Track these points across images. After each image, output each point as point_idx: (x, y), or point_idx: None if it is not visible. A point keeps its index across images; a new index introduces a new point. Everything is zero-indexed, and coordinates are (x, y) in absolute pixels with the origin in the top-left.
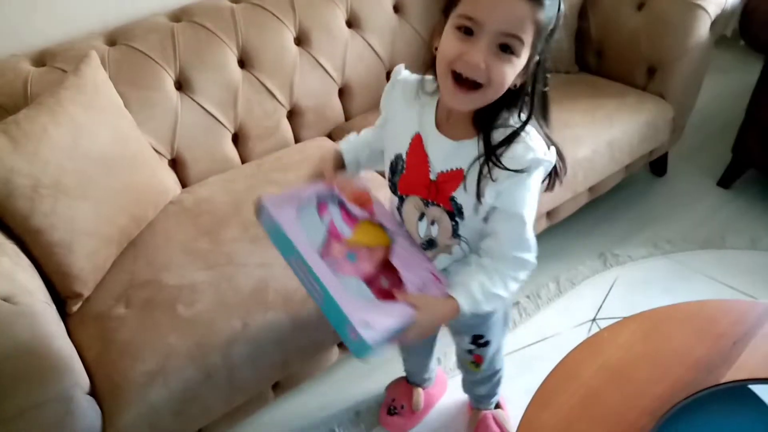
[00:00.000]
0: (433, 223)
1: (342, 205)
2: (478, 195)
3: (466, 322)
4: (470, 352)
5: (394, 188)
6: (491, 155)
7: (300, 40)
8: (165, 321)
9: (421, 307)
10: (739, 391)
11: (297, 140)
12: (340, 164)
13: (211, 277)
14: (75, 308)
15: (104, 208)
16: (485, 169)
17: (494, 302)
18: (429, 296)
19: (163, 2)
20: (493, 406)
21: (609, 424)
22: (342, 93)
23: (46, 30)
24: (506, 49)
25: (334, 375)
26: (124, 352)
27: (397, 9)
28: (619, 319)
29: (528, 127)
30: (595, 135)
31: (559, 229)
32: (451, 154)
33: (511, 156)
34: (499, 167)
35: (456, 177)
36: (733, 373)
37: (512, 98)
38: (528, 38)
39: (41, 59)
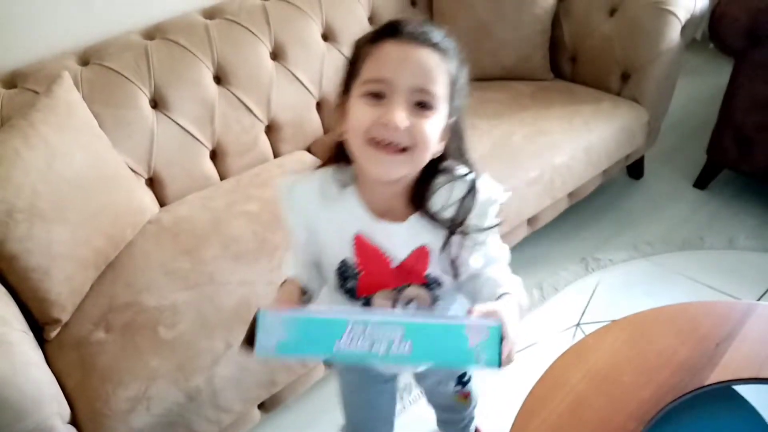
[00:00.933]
0: (409, 302)
1: None
2: (455, 271)
3: (449, 371)
4: (457, 392)
5: (350, 294)
6: (455, 228)
7: (276, 55)
8: (146, 344)
9: (498, 311)
10: (723, 392)
11: (276, 155)
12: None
13: (192, 297)
14: (53, 334)
15: (81, 230)
16: (452, 242)
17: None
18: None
19: (136, 20)
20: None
21: (597, 429)
22: (320, 106)
23: (15, 51)
24: (423, 105)
25: (322, 390)
26: (105, 378)
27: (372, 20)
28: (603, 323)
29: (471, 174)
30: (571, 141)
31: (541, 236)
32: (405, 237)
33: (478, 213)
34: (469, 233)
35: (422, 255)
36: (717, 375)
37: (439, 162)
38: (442, 90)
39: (12, 81)
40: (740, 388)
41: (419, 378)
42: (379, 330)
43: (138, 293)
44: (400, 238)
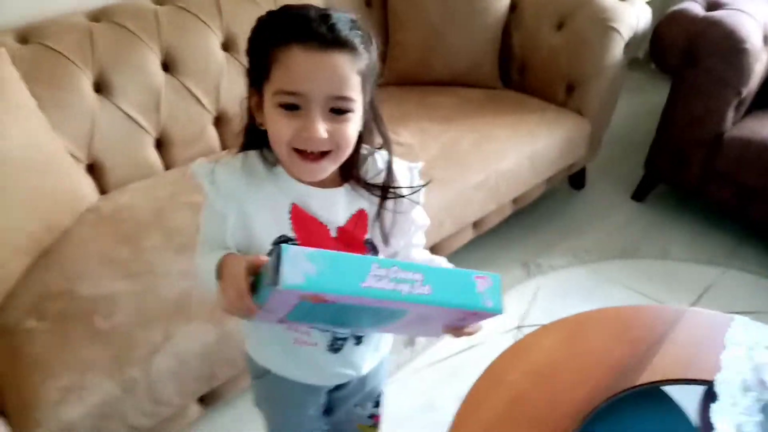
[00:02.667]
0: None
1: None
2: (385, 237)
3: (376, 382)
4: (371, 415)
5: None
6: (384, 193)
7: (227, 45)
8: (80, 334)
9: None
10: (652, 393)
11: (224, 147)
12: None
13: (130, 287)
14: None
15: (12, 214)
16: (383, 209)
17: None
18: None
19: (81, 1)
20: None
21: (534, 426)
22: None
23: None
24: (340, 111)
25: None
26: (35, 368)
27: None
28: (542, 326)
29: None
30: (517, 149)
31: (485, 240)
32: (344, 202)
33: (396, 182)
34: (395, 197)
35: (361, 219)
36: (647, 375)
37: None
38: (357, 90)
39: None
40: (668, 389)
41: (338, 401)
42: (402, 272)
43: (73, 282)
44: (339, 204)
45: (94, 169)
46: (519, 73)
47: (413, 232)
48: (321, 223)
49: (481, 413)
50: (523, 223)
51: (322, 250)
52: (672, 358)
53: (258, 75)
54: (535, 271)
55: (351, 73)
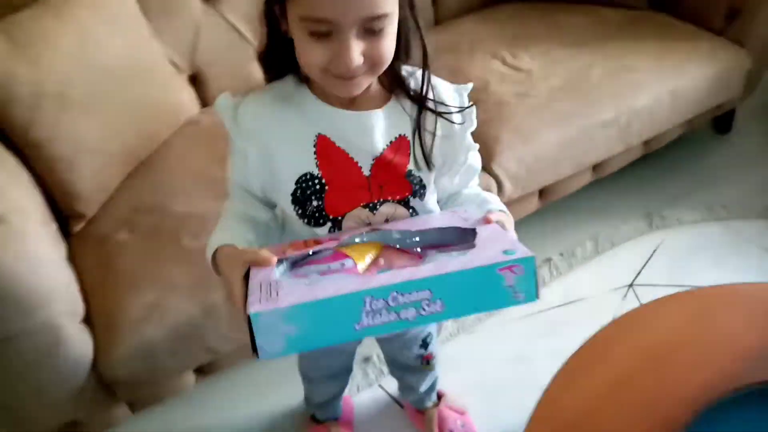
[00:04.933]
0: (385, 222)
1: (297, 264)
2: (427, 161)
3: (416, 332)
4: (420, 356)
5: (315, 219)
6: (424, 103)
7: None
8: (168, 252)
9: (506, 223)
10: None
11: None
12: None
13: (221, 209)
14: (77, 228)
15: (111, 123)
16: (427, 124)
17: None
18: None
19: None
20: (436, 395)
21: (640, 413)
22: None
23: None
24: (375, 31)
25: None
26: (122, 282)
27: None
28: (659, 287)
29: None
30: (658, 83)
31: (604, 184)
32: (384, 126)
33: (442, 98)
34: (443, 115)
35: (402, 146)
36: None
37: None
38: (392, 3)
39: None
40: None
41: (382, 343)
42: (402, 296)
43: (166, 197)
44: (376, 128)
45: (196, 81)
46: None
47: (470, 175)
48: (350, 158)
49: (580, 389)
50: (650, 168)
51: (302, 302)
52: None
53: None
54: (659, 223)
55: None
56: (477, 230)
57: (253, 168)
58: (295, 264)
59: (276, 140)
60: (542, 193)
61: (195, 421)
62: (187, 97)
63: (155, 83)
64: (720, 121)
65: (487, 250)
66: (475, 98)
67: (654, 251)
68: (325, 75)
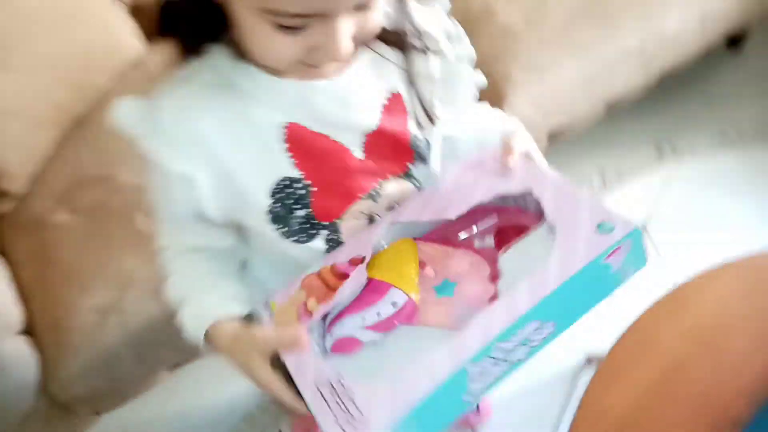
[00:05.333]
0: (390, 208)
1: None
2: (428, 114)
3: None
4: None
5: (305, 231)
6: (407, 42)
7: None
8: (120, 236)
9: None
10: None
11: None
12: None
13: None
14: (4, 209)
15: (34, 79)
16: (419, 66)
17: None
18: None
19: None
20: None
21: (697, 405)
22: None
23: None
24: (365, 6)
25: None
26: (67, 278)
27: None
28: (672, 224)
29: None
30: (686, 3)
31: (610, 112)
32: (368, 83)
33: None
34: (431, 50)
35: (398, 107)
36: None
37: None
38: None
39: None
40: None
41: None
42: (507, 343)
43: (112, 165)
44: (364, 92)
45: (138, 12)
46: None
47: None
48: (334, 142)
49: (624, 386)
50: (659, 91)
51: (398, 419)
52: None
53: None
54: (669, 153)
55: None
56: (533, 190)
57: (206, 196)
58: (326, 320)
59: (230, 148)
60: (551, 136)
61: (173, 407)
62: (128, 33)
63: (87, 21)
64: (731, 38)
65: (574, 229)
66: (477, 27)
67: (666, 183)
68: (297, 66)
